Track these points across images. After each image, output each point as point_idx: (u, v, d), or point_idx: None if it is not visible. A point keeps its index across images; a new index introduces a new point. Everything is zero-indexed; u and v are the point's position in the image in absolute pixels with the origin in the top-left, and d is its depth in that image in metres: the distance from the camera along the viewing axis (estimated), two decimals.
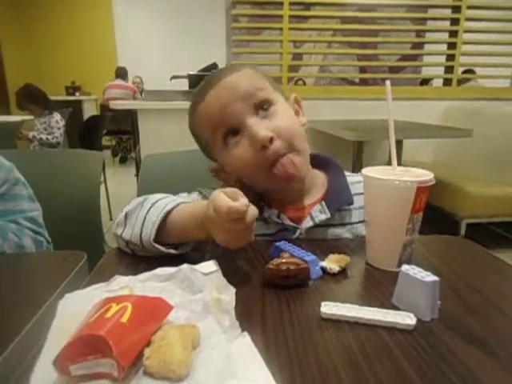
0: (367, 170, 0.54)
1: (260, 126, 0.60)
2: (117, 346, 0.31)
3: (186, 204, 0.57)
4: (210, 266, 0.48)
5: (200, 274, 0.47)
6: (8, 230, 0.61)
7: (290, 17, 2.87)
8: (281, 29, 2.90)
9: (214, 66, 2.56)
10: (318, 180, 0.72)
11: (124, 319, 0.35)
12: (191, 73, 2.51)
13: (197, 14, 6.18)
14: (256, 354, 0.34)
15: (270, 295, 0.47)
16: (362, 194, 0.58)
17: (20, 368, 0.36)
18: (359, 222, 0.68)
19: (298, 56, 4.54)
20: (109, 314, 0.35)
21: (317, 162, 0.73)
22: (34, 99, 2.83)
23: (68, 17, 6.13)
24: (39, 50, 5.93)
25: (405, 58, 3.77)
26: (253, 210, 0.48)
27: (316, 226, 0.66)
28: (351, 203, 0.68)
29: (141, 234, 0.54)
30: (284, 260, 0.49)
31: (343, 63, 3.51)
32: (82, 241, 0.79)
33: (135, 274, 0.49)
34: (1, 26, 5.39)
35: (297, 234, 0.65)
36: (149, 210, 0.56)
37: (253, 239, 0.51)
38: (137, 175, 2.46)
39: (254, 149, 0.60)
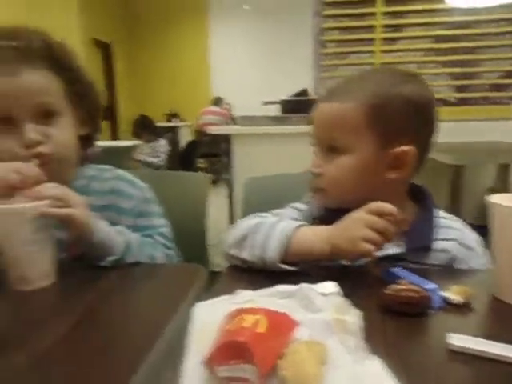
0: (494, 198, 0.51)
1: None
2: (257, 354, 0.34)
3: (306, 226, 0.62)
4: (330, 287, 0.50)
5: (319, 295, 0.49)
6: (144, 243, 0.70)
7: (382, 39, 2.85)
8: (372, 51, 2.89)
9: (304, 91, 2.63)
10: (407, 211, 0.70)
11: (260, 329, 0.37)
12: (284, 98, 2.60)
13: (284, 41, 6.42)
14: (388, 377, 0.35)
15: (389, 321, 0.47)
16: (446, 239, 0.63)
17: (166, 367, 0.41)
18: (436, 265, 0.66)
19: None
20: (246, 324, 0.38)
21: (412, 192, 0.72)
22: (146, 128, 3.22)
23: (168, 50, 6.82)
24: (143, 80, 6.65)
25: (508, 74, 3.46)
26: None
27: (388, 256, 0.64)
28: (428, 249, 0.66)
29: (262, 255, 0.59)
30: (403, 287, 0.48)
31: (439, 83, 3.35)
32: (186, 258, 0.85)
33: (254, 289, 0.53)
34: (115, 59, 6.19)
35: (364, 261, 0.64)
36: (269, 234, 0.60)
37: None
38: (229, 197, 2.59)
39: None
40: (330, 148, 0.67)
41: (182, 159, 3.31)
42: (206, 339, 0.42)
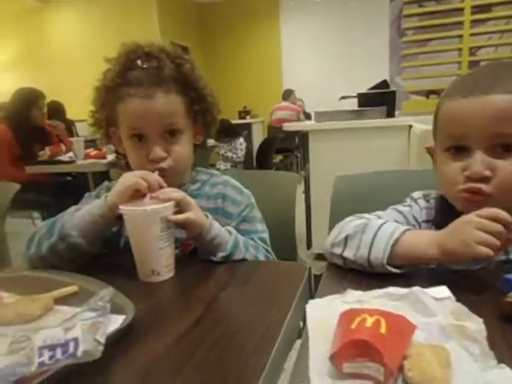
0: None
1: None
2: (386, 354, 0.36)
3: (414, 229, 0.62)
4: (443, 291, 0.50)
5: (432, 299, 0.49)
6: (249, 244, 0.76)
7: (471, 22, 2.63)
8: (460, 36, 2.68)
9: (384, 83, 2.54)
10: None
11: (382, 330, 0.39)
12: (361, 92, 2.54)
13: (359, 31, 6.21)
14: None
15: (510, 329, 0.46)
16: None
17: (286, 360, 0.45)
18: None
19: (474, 64, 4.08)
20: (368, 324, 0.40)
21: None
22: (226, 132, 3.38)
23: (241, 50, 6.97)
24: (218, 81, 6.89)
25: None
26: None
27: (508, 261, 0.61)
28: None
29: (369, 256, 0.60)
30: None
31: None
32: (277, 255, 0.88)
33: (357, 288, 0.55)
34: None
35: (481, 265, 0.61)
36: (375, 235, 0.61)
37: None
38: (305, 192, 2.60)
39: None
40: (500, 146, 0.59)
41: (259, 156, 3.41)
42: (322, 335, 0.45)
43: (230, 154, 3.36)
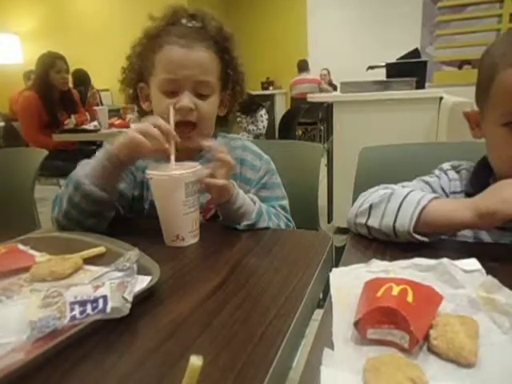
0: None
1: None
2: (413, 322, 0.35)
3: (440, 198, 0.60)
4: (472, 263, 0.48)
5: (460, 271, 0.48)
6: (271, 212, 0.75)
7: None
8: (501, 1, 2.50)
9: (415, 52, 2.42)
10: None
11: (409, 299, 0.39)
12: (390, 61, 2.43)
13: (389, 1, 5.90)
14: None
15: None
16: None
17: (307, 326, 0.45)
18: None
19: None
20: (394, 292, 0.40)
21: None
22: (247, 105, 3.32)
23: (264, 19, 6.76)
24: (242, 51, 6.77)
25: None
26: None
27: None
28: None
29: (394, 224, 0.58)
30: None
31: None
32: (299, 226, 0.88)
33: (382, 259, 0.54)
34: None
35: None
36: (401, 203, 0.59)
37: None
38: (327, 165, 2.57)
39: None
40: None
41: (281, 128, 3.36)
42: (345, 302, 0.45)
43: (251, 127, 3.33)
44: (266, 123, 3.36)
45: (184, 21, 0.77)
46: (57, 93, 2.80)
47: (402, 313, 0.36)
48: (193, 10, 0.78)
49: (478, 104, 0.67)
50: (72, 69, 3.25)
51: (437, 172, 0.74)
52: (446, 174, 0.73)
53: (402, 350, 0.37)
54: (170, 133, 0.65)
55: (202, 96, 0.76)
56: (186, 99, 0.74)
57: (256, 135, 3.29)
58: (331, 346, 0.38)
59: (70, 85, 3.12)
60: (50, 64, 2.70)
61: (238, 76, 0.84)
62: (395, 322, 0.37)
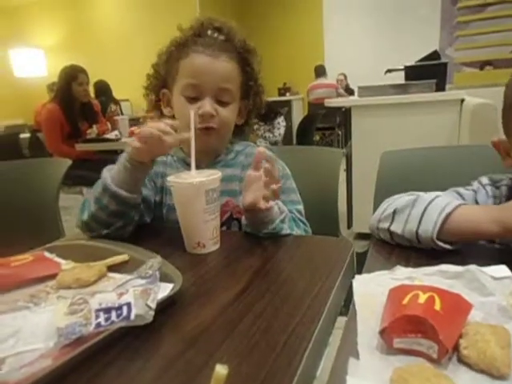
0: None
1: None
2: (442, 331, 0.34)
3: (466, 205, 0.58)
4: (502, 270, 0.47)
5: (489, 278, 0.46)
6: (291, 219, 0.75)
7: None
8: None
9: (435, 54, 2.38)
10: None
11: (437, 307, 0.38)
12: (408, 64, 2.40)
13: (407, 2, 5.84)
14: None
15: None
16: None
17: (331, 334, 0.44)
18: None
19: None
20: (421, 300, 0.39)
21: None
22: (267, 114, 3.33)
23: (280, 24, 6.80)
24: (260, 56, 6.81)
25: None
26: None
27: None
28: None
29: (417, 230, 0.57)
30: None
31: None
32: (319, 231, 0.87)
33: (406, 265, 0.53)
34: None
35: None
36: (426, 209, 0.58)
37: None
38: (347, 171, 2.54)
39: None
40: None
41: (299, 134, 3.35)
42: (370, 310, 0.44)
43: (268, 134, 3.33)
44: (282, 130, 3.36)
45: (210, 32, 0.81)
46: (78, 104, 2.88)
47: (430, 321, 0.35)
48: (219, 23, 0.83)
49: (505, 131, 0.65)
50: (93, 80, 3.33)
51: (475, 185, 0.70)
52: (484, 188, 0.69)
53: (430, 360, 0.36)
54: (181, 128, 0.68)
55: (222, 103, 0.80)
56: (208, 105, 0.77)
57: (272, 142, 3.29)
58: (356, 355, 0.37)
59: (92, 95, 3.20)
60: (73, 77, 2.78)
61: (258, 88, 0.88)
62: (422, 331, 0.36)
